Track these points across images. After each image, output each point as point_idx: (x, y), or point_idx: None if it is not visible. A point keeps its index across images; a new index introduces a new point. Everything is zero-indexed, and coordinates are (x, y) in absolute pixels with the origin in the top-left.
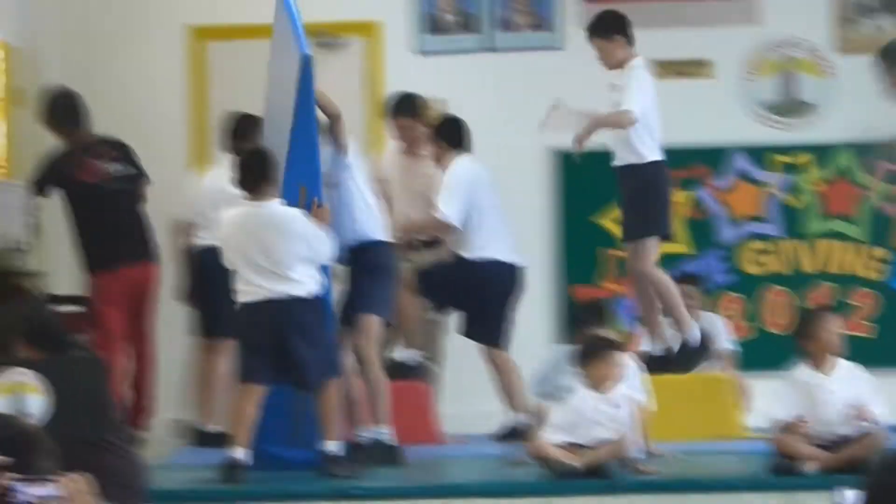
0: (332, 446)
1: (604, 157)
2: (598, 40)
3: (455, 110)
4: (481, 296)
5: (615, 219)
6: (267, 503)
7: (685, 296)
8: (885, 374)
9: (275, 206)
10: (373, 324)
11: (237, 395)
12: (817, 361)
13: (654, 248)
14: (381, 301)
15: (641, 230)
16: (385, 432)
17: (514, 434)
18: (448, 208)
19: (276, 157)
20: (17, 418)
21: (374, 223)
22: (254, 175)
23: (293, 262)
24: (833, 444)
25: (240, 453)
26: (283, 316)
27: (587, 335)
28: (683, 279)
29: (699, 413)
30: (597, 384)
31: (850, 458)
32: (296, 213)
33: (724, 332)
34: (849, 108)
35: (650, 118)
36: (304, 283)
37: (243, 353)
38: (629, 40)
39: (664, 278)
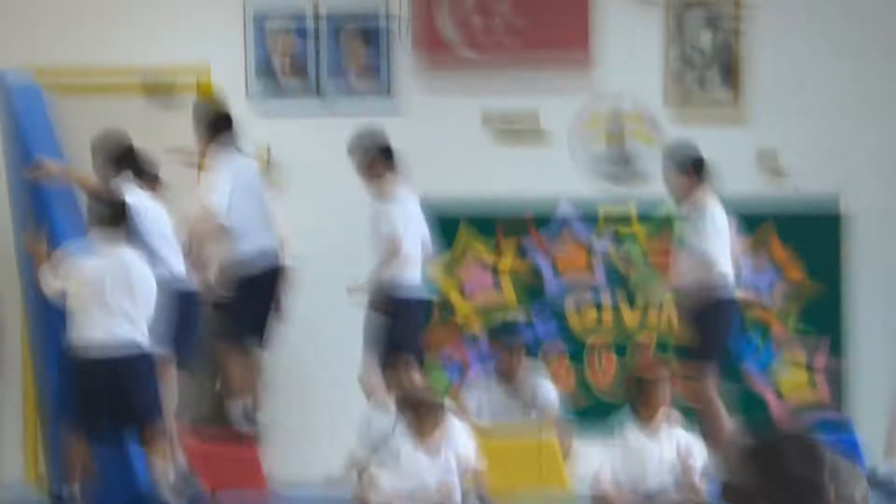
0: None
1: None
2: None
3: (293, 169)
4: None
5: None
6: None
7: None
8: None
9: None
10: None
11: None
12: (645, 424)
13: None
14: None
15: None
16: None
17: None
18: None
19: None
20: None
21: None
22: None
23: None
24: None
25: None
26: None
27: (410, 390)
28: (509, 343)
29: (525, 475)
30: (422, 441)
31: None
32: None
33: (552, 395)
34: None
35: None
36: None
37: None
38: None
39: None
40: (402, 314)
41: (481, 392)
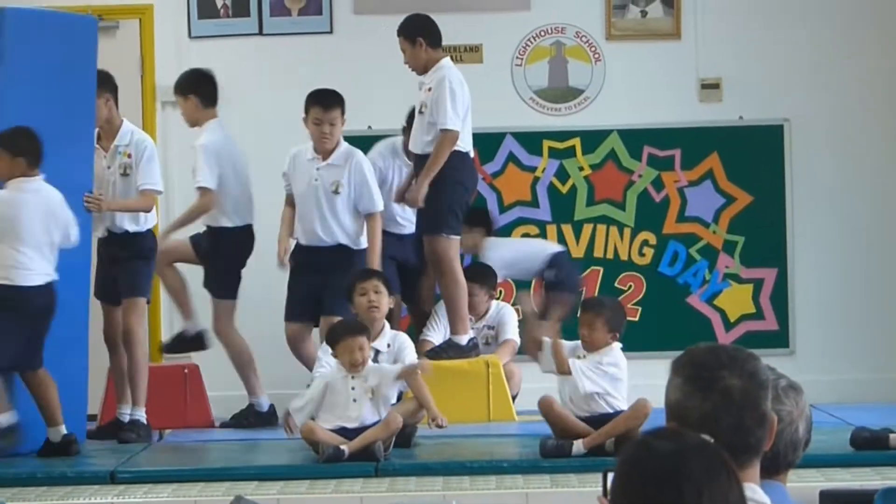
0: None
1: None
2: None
3: (227, 94)
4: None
5: None
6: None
7: (470, 292)
8: (651, 357)
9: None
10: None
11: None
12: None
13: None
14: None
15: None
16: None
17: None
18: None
19: None
20: None
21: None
22: None
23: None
24: (594, 421)
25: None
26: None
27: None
28: (472, 272)
29: (469, 397)
30: (347, 367)
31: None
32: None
33: (512, 322)
34: (616, 95)
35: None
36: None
37: None
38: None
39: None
40: None
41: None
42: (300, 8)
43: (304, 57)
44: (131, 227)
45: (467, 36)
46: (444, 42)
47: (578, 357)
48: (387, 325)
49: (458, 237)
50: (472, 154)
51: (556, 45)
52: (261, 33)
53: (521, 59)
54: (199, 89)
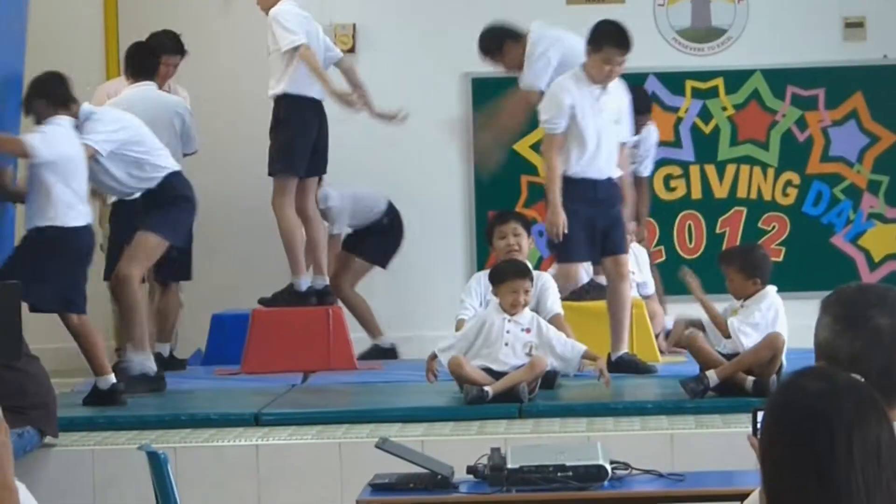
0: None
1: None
2: None
3: (366, 37)
4: None
5: (532, 145)
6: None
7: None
8: (795, 298)
9: None
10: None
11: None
12: None
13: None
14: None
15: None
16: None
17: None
18: None
19: None
20: None
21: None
22: None
23: None
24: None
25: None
26: None
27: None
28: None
29: (604, 339)
30: (507, 308)
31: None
32: None
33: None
34: (759, 34)
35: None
36: None
37: None
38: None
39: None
40: None
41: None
42: None
43: None
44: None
45: None
46: None
47: (735, 311)
48: (528, 265)
49: None
50: None
51: None
52: None
53: None
54: None
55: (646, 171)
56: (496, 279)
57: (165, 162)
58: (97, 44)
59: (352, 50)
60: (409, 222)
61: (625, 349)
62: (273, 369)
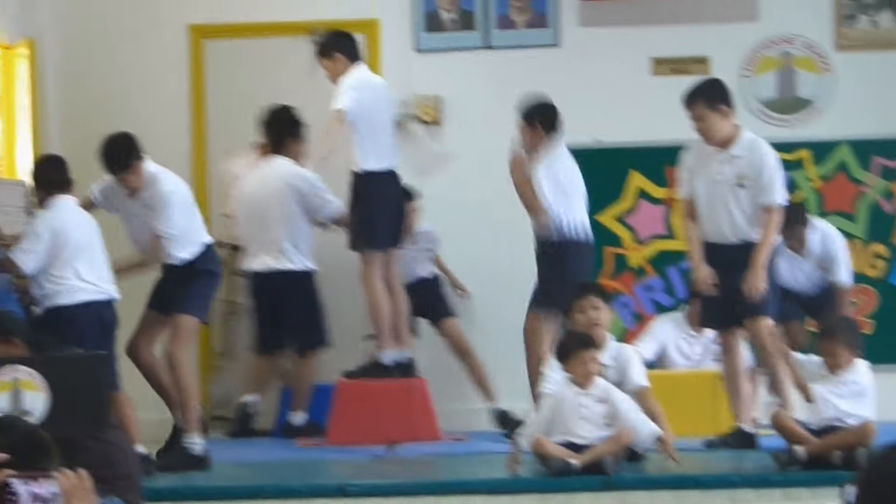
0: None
1: (610, 154)
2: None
3: (452, 108)
4: None
5: (617, 217)
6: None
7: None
8: (884, 370)
9: None
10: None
11: None
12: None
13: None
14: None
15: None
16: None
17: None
18: None
19: None
20: (20, 419)
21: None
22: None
23: None
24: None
25: None
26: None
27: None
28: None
29: (695, 410)
30: (580, 380)
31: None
32: None
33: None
34: (847, 105)
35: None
36: None
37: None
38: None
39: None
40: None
41: (667, 338)
42: (526, 20)
43: (530, 70)
44: None
45: (694, 47)
46: (671, 54)
47: (822, 376)
48: (610, 338)
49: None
50: None
51: (784, 55)
52: (487, 47)
53: (749, 70)
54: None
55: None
56: (562, 355)
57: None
58: (183, 114)
59: (436, 122)
60: (499, 296)
61: (741, 420)
62: (357, 441)
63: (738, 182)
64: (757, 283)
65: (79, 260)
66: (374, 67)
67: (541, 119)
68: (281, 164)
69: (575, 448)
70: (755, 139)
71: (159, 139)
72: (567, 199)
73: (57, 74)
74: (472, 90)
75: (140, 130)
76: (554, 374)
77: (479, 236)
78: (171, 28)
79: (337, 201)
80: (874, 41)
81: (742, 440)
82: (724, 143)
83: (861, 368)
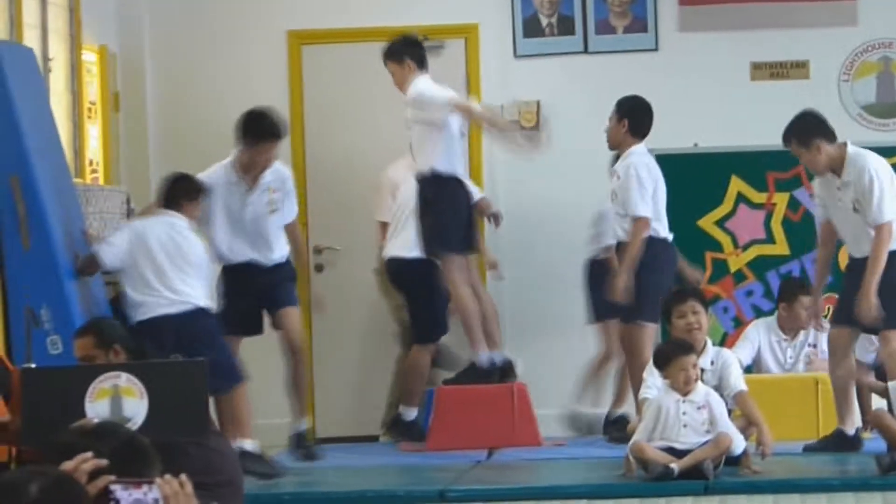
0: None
1: (710, 159)
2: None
3: (550, 113)
4: None
5: (717, 222)
6: None
7: (801, 305)
8: None
9: None
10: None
11: None
12: None
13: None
14: None
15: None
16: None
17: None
18: None
19: None
20: (120, 426)
21: None
22: None
23: None
24: None
25: None
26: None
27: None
28: (792, 286)
29: (797, 413)
30: (680, 387)
31: None
32: None
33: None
34: None
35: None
36: None
37: None
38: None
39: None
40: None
41: (762, 343)
42: (625, 25)
43: (629, 75)
44: None
45: (794, 52)
46: (770, 58)
47: None
48: (709, 342)
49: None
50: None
51: (884, 59)
52: (586, 51)
53: (849, 74)
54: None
55: None
56: (661, 362)
57: None
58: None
59: (536, 127)
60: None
61: (844, 424)
62: (458, 446)
63: (853, 207)
64: (869, 308)
65: (158, 270)
66: (473, 72)
67: (630, 117)
68: None
69: (675, 453)
70: (859, 156)
71: None
72: (654, 204)
73: (157, 80)
74: (571, 95)
75: None
76: (654, 380)
77: (580, 240)
78: (271, 34)
79: None
80: None
81: (842, 443)
82: (836, 170)
83: None
